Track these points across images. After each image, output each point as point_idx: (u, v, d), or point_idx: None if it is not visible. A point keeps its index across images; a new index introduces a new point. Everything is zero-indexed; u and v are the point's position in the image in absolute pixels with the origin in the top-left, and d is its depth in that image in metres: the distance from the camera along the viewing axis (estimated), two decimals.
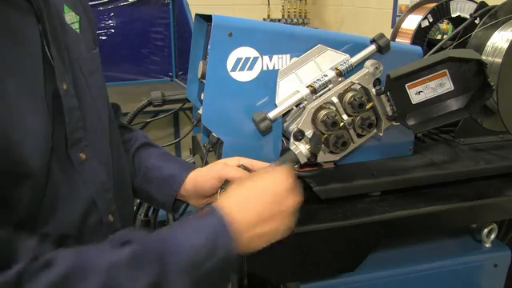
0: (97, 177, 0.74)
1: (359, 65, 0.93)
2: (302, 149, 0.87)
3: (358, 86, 0.91)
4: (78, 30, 0.76)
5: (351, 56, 0.93)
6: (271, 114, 0.88)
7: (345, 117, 0.90)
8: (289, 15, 3.95)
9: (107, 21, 3.21)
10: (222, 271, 0.66)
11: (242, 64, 0.88)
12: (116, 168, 0.83)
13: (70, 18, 0.74)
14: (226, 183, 0.85)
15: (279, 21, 3.91)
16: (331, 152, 0.91)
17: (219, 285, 0.68)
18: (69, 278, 0.55)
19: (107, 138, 0.82)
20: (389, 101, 0.92)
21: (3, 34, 0.60)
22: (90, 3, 0.88)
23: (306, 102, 0.89)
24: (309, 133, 0.88)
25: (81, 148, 0.71)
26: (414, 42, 1.35)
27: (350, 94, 0.90)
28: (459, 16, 1.34)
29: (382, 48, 0.93)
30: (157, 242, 0.63)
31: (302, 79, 0.91)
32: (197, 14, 1.02)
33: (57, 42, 0.68)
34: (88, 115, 0.74)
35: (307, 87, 0.89)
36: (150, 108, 1.34)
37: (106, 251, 0.60)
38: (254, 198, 0.70)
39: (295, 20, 3.94)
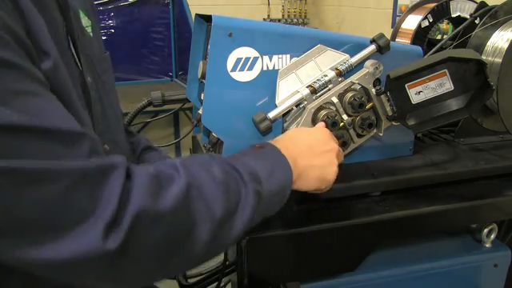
0: None
1: (359, 65, 0.93)
2: None
3: (358, 86, 0.91)
4: (91, 34, 0.79)
5: (351, 56, 0.93)
6: (271, 114, 0.88)
7: (345, 117, 0.90)
8: (289, 15, 3.95)
9: (107, 21, 3.21)
10: (279, 193, 0.71)
11: (242, 64, 0.87)
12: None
13: (85, 22, 0.76)
14: None
15: (279, 21, 3.91)
16: None
17: (272, 211, 0.73)
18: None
19: (123, 132, 0.84)
20: (389, 101, 0.92)
21: (55, 27, 0.60)
22: None
23: (305, 102, 0.89)
24: None
25: (104, 140, 0.72)
26: (414, 42, 1.35)
27: (350, 94, 0.90)
28: (459, 16, 1.34)
29: (382, 48, 0.93)
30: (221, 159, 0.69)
31: (301, 79, 0.91)
32: (197, 14, 1.02)
33: (77, 36, 0.69)
34: (105, 108, 0.75)
35: (307, 87, 0.89)
36: (150, 108, 1.34)
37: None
38: (304, 137, 0.80)
39: (295, 20, 3.95)
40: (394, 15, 3.08)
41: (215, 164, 0.65)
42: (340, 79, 0.91)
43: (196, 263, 0.65)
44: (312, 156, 0.77)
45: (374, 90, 0.91)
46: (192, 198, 0.59)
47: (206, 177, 0.62)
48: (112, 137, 0.76)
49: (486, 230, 1.04)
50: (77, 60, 0.68)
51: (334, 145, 0.81)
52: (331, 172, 0.80)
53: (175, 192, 0.57)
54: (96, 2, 3.12)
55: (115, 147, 0.76)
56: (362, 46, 0.93)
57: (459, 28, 1.22)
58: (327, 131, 0.84)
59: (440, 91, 0.91)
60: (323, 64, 0.92)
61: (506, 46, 1.06)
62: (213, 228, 0.60)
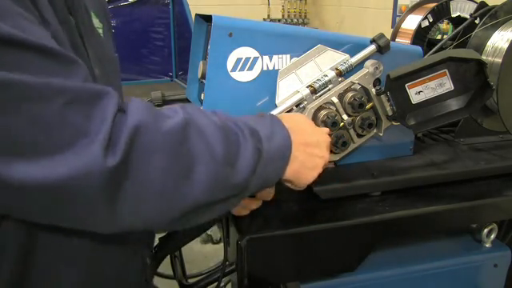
0: None
1: (359, 65, 0.93)
2: None
3: (358, 86, 0.91)
4: (101, 35, 0.79)
5: (351, 56, 0.93)
6: None
7: (345, 117, 0.90)
8: (289, 15, 3.96)
9: None
10: (279, 159, 0.70)
11: (242, 64, 0.87)
12: None
13: (96, 23, 0.76)
14: None
15: (279, 21, 3.92)
16: (331, 152, 0.91)
17: (270, 179, 0.71)
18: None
19: None
20: (389, 101, 0.92)
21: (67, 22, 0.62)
22: None
23: (306, 102, 0.89)
24: None
25: None
26: (414, 42, 1.35)
27: (349, 94, 0.90)
28: (459, 16, 1.34)
29: (382, 48, 0.93)
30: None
31: (301, 79, 0.91)
32: (197, 14, 1.02)
33: (86, 32, 0.70)
34: None
35: (307, 87, 0.89)
36: None
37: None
38: (307, 132, 0.78)
39: (295, 20, 3.95)
40: (394, 15, 3.09)
41: (215, 115, 0.65)
42: (340, 79, 0.91)
43: (196, 215, 0.61)
44: (303, 152, 0.76)
45: (373, 90, 0.91)
46: (190, 134, 0.58)
47: (206, 120, 0.62)
48: None
49: (485, 230, 1.04)
50: (85, 50, 0.68)
51: (326, 154, 0.80)
52: (310, 175, 0.78)
53: (172, 124, 0.57)
54: None
55: None
56: (362, 46, 0.93)
57: (459, 28, 1.23)
58: (328, 139, 0.83)
59: (440, 91, 0.91)
60: (323, 64, 0.92)
61: (506, 46, 1.06)
62: (213, 168, 0.59)
